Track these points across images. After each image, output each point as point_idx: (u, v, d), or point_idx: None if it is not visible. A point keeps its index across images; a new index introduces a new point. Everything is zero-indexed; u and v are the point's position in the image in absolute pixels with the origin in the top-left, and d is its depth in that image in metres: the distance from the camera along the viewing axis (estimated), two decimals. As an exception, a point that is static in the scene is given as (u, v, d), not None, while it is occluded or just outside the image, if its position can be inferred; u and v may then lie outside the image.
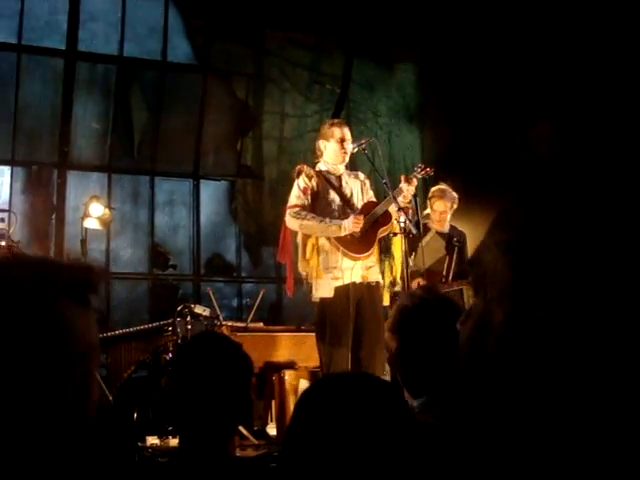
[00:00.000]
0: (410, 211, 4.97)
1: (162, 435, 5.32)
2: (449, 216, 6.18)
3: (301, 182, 5.17)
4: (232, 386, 1.94)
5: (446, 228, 6.19)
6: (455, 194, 6.16)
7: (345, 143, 5.18)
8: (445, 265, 6.02)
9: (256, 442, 5.51)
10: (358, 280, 5.01)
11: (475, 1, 8.37)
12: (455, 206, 6.18)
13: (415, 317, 2.07)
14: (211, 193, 9.60)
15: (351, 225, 4.95)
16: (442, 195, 6.09)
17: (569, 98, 7.08)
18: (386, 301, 5.15)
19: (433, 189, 6.18)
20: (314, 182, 5.16)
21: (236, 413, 1.97)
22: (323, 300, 5.03)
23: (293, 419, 1.15)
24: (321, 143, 5.27)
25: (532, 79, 7.70)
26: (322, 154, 5.27)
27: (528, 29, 7.76)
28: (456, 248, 6.04)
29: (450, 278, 5.97)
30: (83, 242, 7.15)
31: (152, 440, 5.19)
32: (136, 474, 1.98)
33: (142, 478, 1.95)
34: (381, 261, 5.16)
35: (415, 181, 5.01)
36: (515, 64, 7.96)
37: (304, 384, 5.55)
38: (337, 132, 5.20)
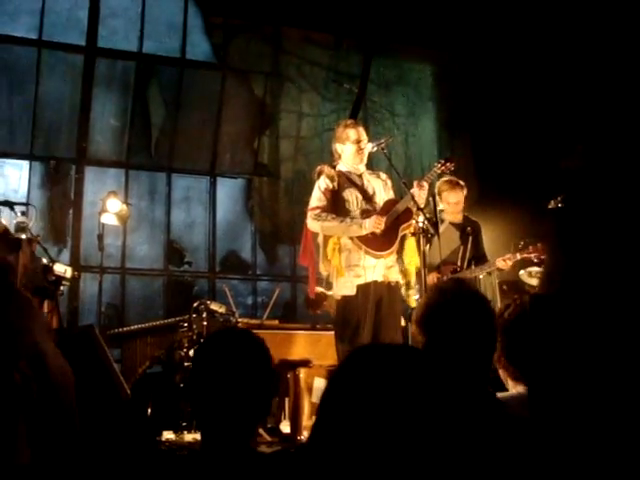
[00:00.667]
0: (426, 210, 4.96)
1: (177, 430, 5.34)
2: (462, 206, 6.17)
3: (322, 183, 5.15)
4: (255, 381, 1.94)
5: (460, 219, 6.17)
6: (462, 182, 6.14)
7: (361, 144, 5.17)
8: (459, 255, 6.01)
9: (269, 439, 5.52)
10: (380, 279, 5.00)
11: (493, 2, 8.34)
12: (465, 193, 6.17)
13: (444, 312, 2.06)
14: (227, 191, 9.61)
15: (373, 225, 4.94)
16: (454, 186, 6.06)
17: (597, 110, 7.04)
18: (412, 303, 5.12)
19: (439, 183, 6.12)
20: (335, 182, 5.15)
21: (259, 408, 1.97)
22: (345, 298, 5.02)
23: (327, 393, 1.12)
24: (338, 146, 5.25)
25: (557, 81, 7.66)
26: (340, 157, 5.26)
27: (547, 31, 7.72)
28: (470, 237, 6.03)
29: (464, 267, 5.97)
30: (100, 237, 7.18)
31: (167, 435, 5.21)
32: (157, 466, 1.99)
33: (164, 471, 1.95)
34: (401, 261, 5.16)
35: (426, 185, 4.98)
36: (537, 64, 7.92)
37: (319, 382, 5.56)
38: (352, 134, 5.19)
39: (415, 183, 4.99)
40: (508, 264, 5.86)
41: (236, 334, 2.12)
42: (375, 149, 5.16)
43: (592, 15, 7.20)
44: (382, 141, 5.17)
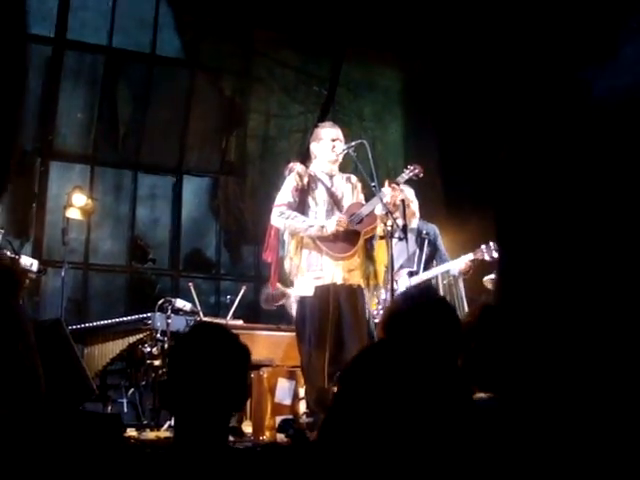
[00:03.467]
0: (396, 214, 5.02)
1: (139, 428, 5.31)
2: (417, 206, 6.24)
3: (292, 180, 5.19)
4: (230, 375, 1.95)
5: (415, 222, 6.23)
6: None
7: (336, 142, 5.22)
8: (415, 259, 6.08)
9: (232, 439, 5.51)
10: (339, 281, 5.04)
11: (461, 8, 8.43)
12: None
13: (406, 318, 2.11)
14: (193, 189, 9.58)
15: (334, 225, 4.99)
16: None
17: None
18: (373, 306, 5.18)
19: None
20: (305, 181, 5.18)
21: (233, 402, 1.98)
22: (303, 298, 5.07)
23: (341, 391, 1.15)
24: (313, 146, 5.31)
25: (525, 86, 7.75)
26: (315, 157, 5.30)
27: (515, 36, 7.82)
28: (426, 241, 6.10)
29: (420, 271, 6.04)
30: (64, 231, 7.11)
31: (130, 433, 5.17)
32: (127, 463, 1.99)
33: (134, 467, 1.95)
34: (366, 265, 5.20)
35: (398, 187, 5.05)
36: (505, 70, 8.01)
37: (282, 383, 5.56)
38: (328, 132, 5.26)
39: (387, 182, 5.05)
40: (468, 264, 5.98)
41: (211, 328, 2.12)
42: (345, 151, 5.21)
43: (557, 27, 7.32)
44: (352, 144, 5.23)
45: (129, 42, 8.91)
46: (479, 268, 6.26)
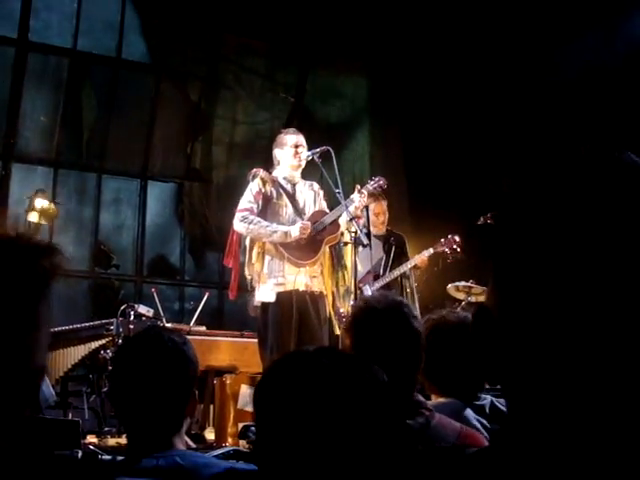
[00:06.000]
0: (361, 221, 5.05)
1: (100, 434, 5.25)
2: (384, 218, 6.32)
3: (255, 186, 5.18)
4: (175, 380, 1.93)
5: (383, 230, 6.30)
6: (383, 195, 6.27)
7: (299, 149, 5.21)
8: (382, 264, 6.14)
9: (194, 446, 5.46)
10: (301, 288, 5.04)
11: (428, 17, 8.51)
12: (385, 206, 6.35)
13: (365, 320, 2.16)
14: (158, 194, 9.52)
15: (297, 232, 4.99)
16: (376, 198, 6.18)
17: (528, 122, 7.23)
18: (345, 309, 5.19)
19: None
20: (268, 187, 5.18)
21: (181, 407, 1.96)
22: (265, 305, 5.05)
23: (259, 401, 1.16)
24: (276, 152, 5.29)
25: (493, 96, 7.84)
26: (278, 163, 5.30)
27: (485, 44, 7.91)
28: (393, 247, 6.18)
29: (387, 274, 6.16)
30: (25, 236, 7.00)
31: (90, 439, 5.11)
32: (85, 470, 1.96)
33: (92, 473, 1.93)
34: (335, 271, 5.21)
35: (366, 193, 5.07)
36: (473, 81, 8.10)
37: (245, 389, 5.53)
38: (291, 139, 5.26)
39: (357, 188, 5.07)
40: (424, 259, 6.16)
41: (154, 332, 2.10)
42: (310, 157, 5.20)
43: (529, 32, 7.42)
44: (317, 150, 5.23)
45: (94, 45, 8.83)
46: (439, 272, 6.38)
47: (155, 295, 6.48)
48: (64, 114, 8.74)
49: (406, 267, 6.19)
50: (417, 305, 6.01)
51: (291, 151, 5.21)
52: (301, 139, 5.27)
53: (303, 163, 5.27)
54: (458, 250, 6.17)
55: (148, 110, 9.12)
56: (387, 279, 6.15)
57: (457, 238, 6.17)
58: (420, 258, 6.19)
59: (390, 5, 8.73)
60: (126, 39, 8.95)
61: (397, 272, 6.19)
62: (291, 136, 5.27)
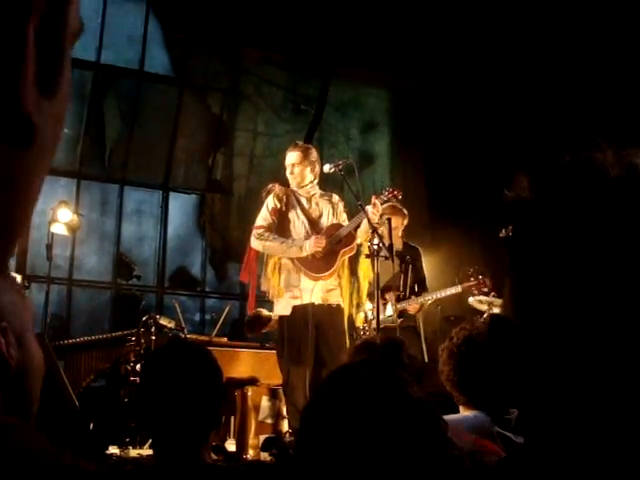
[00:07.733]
0: (383, 233, 5.03)
1: (122, 445, 5.26)
2: (401, 232, 6.24)
3: (270, 202, 5.22)
4: (203, 391, 1.94)
5: (398, 244, 6.22)
6: (405, 211, 6.19)
7: (294, 168, 5.21)
8: (401, 282, 6.06)
9: (215, 457, 5.46)
10: (318, 301, 5.05)
11: (449, 28, 8.51)
12: (406, 222, 6.22)
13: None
14: (180, 206, 9.57)
15: (312, 246, 5.00)
16: (394, 212, 6.09)
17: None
18: (359, 322, 5.19)
19: (383, 207, 6.19)
20: (283, 202, 5.21)
21: (208, 419, 1.97)
22: (282, 318, 5.10)
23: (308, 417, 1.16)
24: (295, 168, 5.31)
25: (511, 109, 7.82)
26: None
27: (502, 57, 7.90)
28: (410, 265, 6.10)
29: (407, 294, 6.03)
30: (48, 247, 7.05)
31: (112, 450, 5.12)
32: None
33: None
34: (351, 283, 5.21)
35: (378, 205, 5.03)
36: (492, 93, 8.08)
37: (265, 401, 5.53)
38: (287, 158, 5.27)
39: (372, 198, 5.05)
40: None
41: (182, 345, 2.12)
42: (332, 170, 5.20)
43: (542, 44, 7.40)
44: (339, 162, 5.22)
45: (118, 58, 8.93)
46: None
47: (177, 306, 6.50)
48: (87, 126, 8.82)
49: (430, 298, 6.04)
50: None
51: (287, 171, 5.24)
52: (294, 157, 5.24)
53: (306, 179, 5.25)
54: (487, 291, 6.00)
55: (170, 122, 9.18)
56: (408, 307, 5.98)
57: (488, 281, 5.92)
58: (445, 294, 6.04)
59: (409, 17, 8.74)
60: (149, 52, 9.04)
61: (421, 299, 6.03)
62: (288, 155, 5.28)
